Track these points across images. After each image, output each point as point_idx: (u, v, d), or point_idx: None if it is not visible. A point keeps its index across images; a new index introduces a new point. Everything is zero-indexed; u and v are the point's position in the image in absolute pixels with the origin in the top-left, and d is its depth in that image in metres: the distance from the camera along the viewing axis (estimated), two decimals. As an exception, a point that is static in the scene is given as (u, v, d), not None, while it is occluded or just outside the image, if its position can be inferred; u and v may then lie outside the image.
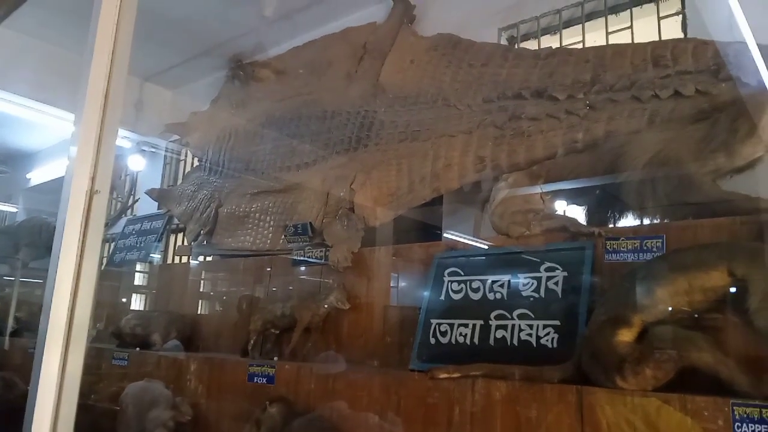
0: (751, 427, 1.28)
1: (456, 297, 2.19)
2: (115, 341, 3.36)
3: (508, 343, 1.97)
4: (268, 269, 3.11)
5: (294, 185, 3.23)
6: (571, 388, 1.64)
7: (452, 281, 2.23)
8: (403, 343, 2.40)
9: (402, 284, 2.54)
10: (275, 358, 2.66)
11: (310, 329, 2.66)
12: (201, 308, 3.52)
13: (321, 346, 2.64)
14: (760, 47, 1.98)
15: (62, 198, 1.26)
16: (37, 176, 6.28)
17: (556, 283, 2.00)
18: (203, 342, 3.27)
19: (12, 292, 4.99)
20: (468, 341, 2.06)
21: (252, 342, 2.75)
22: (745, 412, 1.29)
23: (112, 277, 4.10)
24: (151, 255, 4.08)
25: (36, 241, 4.92)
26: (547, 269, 2.03)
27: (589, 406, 1.59)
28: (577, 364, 1.68)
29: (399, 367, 2.28)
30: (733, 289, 1.54)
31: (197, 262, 3.70)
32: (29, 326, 4.71)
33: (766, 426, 1.27)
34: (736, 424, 1.31)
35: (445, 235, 2.69)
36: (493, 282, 2.12)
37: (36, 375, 1.09)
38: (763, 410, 1.28)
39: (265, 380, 2.47)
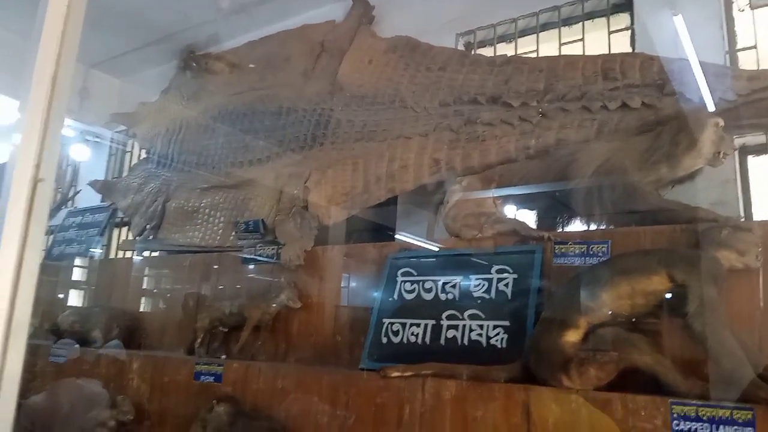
0: (689, 425, 1.35)
1: (409, 297, 2.21)
2: (52, 338, 3.21)
3: (459, 343, 2.00)
4: (216, 266, 3.04)
5: (246, 181, 3.18)
6: (518, 387, 1.68)
7: (405, 281, 2.25)
8: (353, 343, 2.40)
9: (354, 284, 2.54)
10: (223, 357, 2.60)
11: (260, 328, 2.62)
12: (144, 305, 3.41)
13: (270, 345, 2.61)
14: (702, 65, 2.09)
15: (4, 186, 1.20)
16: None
17: (507, 285, 2.04)
18: (146, 340, 3.17)
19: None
20: (420, 341, 2.07)
21: (199, 340, 2.68)
22: (683, 411, 1.36)
23: (50, 272, 3.91)
24: (92, 249, 3.92)
25: None
26: (498, 271, 2.08)
27: (535, 404, 1.63)
28: (525, 364, 1.72)
29: (350, 367, 2.28)
30: (670, 295, 1.61)
31: (141, 257, 3.59)
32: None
33: (701, 423, 1.34)
34: (674, 422, 1.37)
35: (398, 236, 2.71)
36: (445, 283, 2.15)
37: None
38: (700, 409, 1.35)
39: (212, 379, 2.42)
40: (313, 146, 2.98)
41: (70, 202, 4.59)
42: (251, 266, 2.85)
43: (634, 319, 1.67)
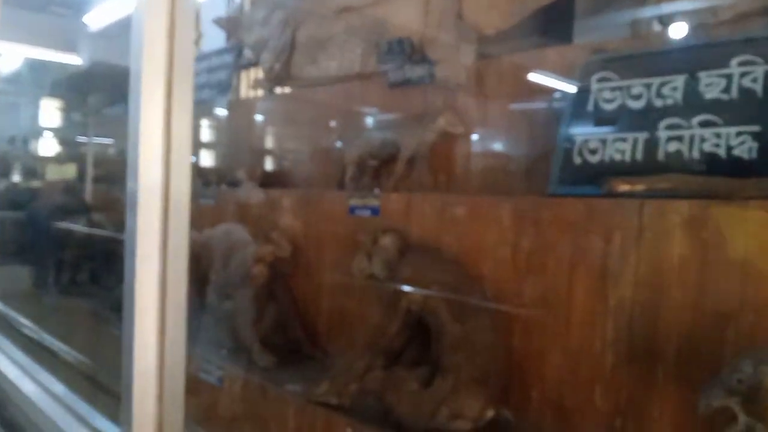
0: None
1: (609, 107, 1.77)
2: (198, 180, 3.18)
3: (685, 157, 1.57)
4: (359, 96, 2.73)
5: (384, -3, 2.73)
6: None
7: (603, 89, 1.79)
8: (531, 169, 2.04)
9: (529, 101, 2.12)
10: (376, 191, 2.37)
11: (415, 159, 2.33)
12: (283, 144, 3.25)
13: (428, 177, 2.32)
14: None
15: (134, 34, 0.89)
16: (95, 20, 5.94)
17: (755, 81, 1.53)
18: (290, 179, 3.03)
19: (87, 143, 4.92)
20: (628, 158, 1.66)
21: (349, 174, 2.46)
22: None
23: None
24: (225, 92, 3.77)
25: (107, 84, 4.70)
26: (742, 63, 1.56)
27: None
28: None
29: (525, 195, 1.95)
30: None
31: (276, 95, 3.37)
32: (109, 176, 4.67)
33: None
34: None
35: (577, 40, 2.21)
36: (662, 85, 1.67)
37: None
38: None
39: (368, 213, 2.21)
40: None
41: (194, 47, 4.43)
42: (400, 91, 2.50)
43: None
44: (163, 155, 0.85)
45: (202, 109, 3.94)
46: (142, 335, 0.80)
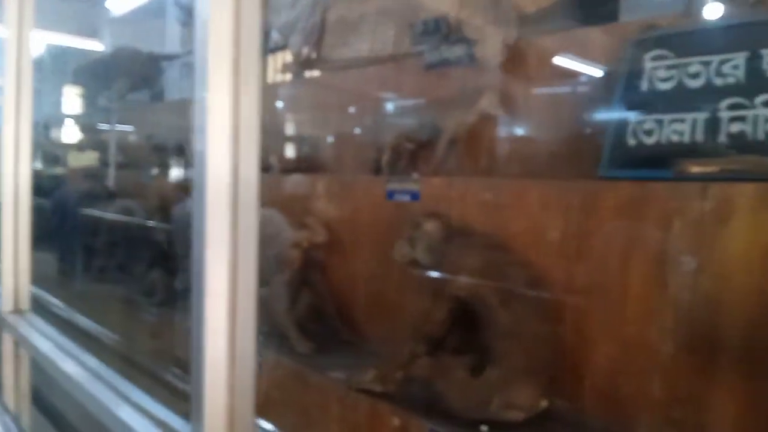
0: None
1: (664, 86, 1.70)
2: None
3: (750, 139, 1.50)
4: (393, 78, 2.68)
5: (417, -24, 2.66)
6: None
7: (657, 67, 1.72)
8: (578, 152, 1.97)
9: (573, 81, 2.05)
10: (414, 175, 2.32)
11: (455, 141, 2.27)
12: (313, 129, 3.20)
13: (468, 160, 2.27)
14: None
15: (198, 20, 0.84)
16: (117, 6, 5.92)
17: (825, 57, 1.46)
18: (321, 164, 2.99)
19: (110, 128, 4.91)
20: (686, 139, 1.60)
21: (386, 158, 2.41)
22: None
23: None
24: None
25: (131, 70, 4.68)
26: (811, 39, 1.48)
27: None
28: None
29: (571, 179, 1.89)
30: None
31: (304, 78, 3.32)
32: (132, 162, 4.67)
33: None
34: None
35: (623, 18, 2.13)
36: (723, 62, 1.60)
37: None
38: None
39: (408, 197, 2.16)
40: None
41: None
42: (436, 72, 2.44)
43: None
44: (231, 140, 0.81)
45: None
46: (214, 327, 0.77)
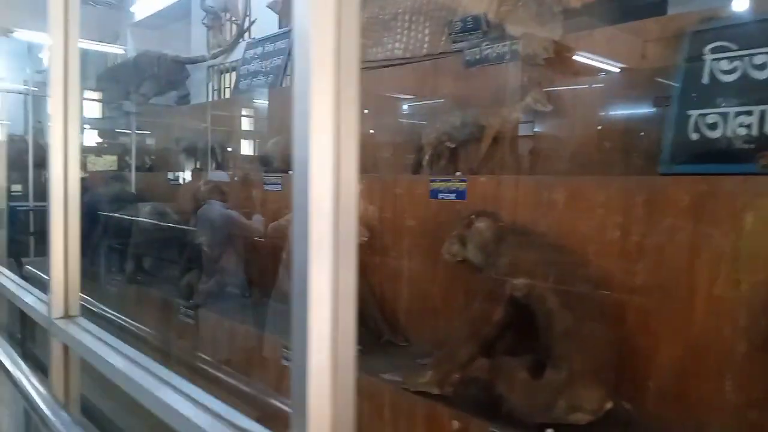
0: None
1: (727, 78, 1.65)
2: (262, 167, 3.14)
3: (823, 131, 1.45)
4: (432, 77, 2.64)
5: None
6: None
7: (719, 59, 1.67)
8: (630, 148, 1.93)
9: (626, 75, 2.00)
10: (457, 174, 2.29)
11: (498, 140, 2.24)
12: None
13: (512, 158, 2.23)
14: None
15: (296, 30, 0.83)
16: (141, 10, 5.95)
17: None
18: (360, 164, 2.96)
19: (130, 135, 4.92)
20: (754, 132, 1.55)
21: (427, 157, 2.38)
22: None
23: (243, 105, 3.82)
24: (280, 77, 3.72)
25: (156, 74, 4.70)
26: None
27: None
28: None
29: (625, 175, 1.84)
30: None
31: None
32: (159, 165, 4.68)
33: None
34: None
35: (673, 9, 2.08)
36: (791, 52, 1.55)
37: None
38: None
39: (453, 196, 2.13)
40: None
41: (246, 34, 4.38)
42: (477, 70, 2.40)
43: None
44: (333, 144, 0.79)
45: (258, 95, 3.90)
46: (318, 335, 0.75)
